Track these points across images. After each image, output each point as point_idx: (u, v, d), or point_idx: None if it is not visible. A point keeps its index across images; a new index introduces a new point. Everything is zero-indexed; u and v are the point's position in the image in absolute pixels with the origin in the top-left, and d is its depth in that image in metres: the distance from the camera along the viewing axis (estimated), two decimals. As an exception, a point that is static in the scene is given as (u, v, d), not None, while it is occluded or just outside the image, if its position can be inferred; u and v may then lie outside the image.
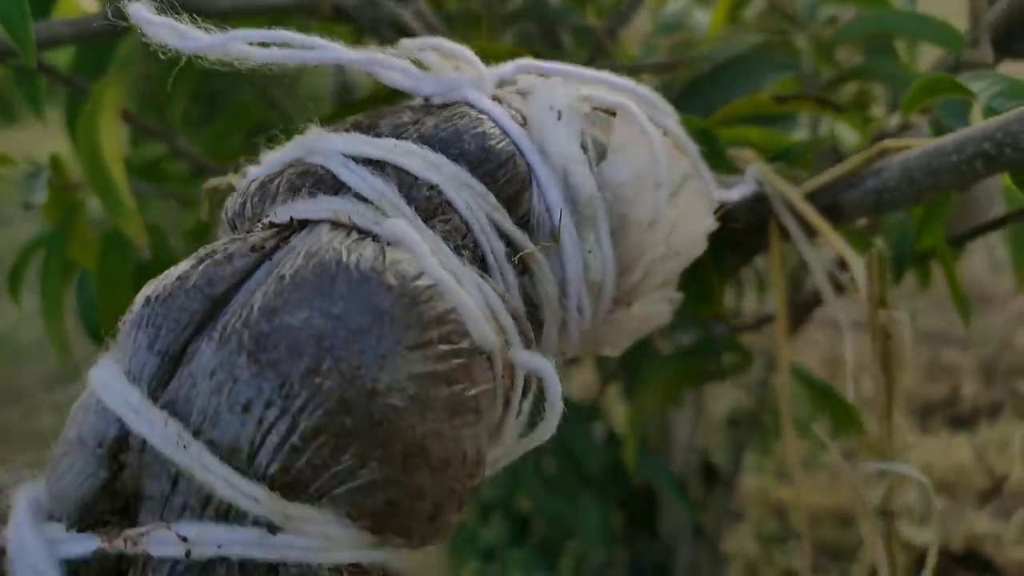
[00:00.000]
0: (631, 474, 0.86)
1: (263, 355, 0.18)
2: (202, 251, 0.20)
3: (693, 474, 1.09)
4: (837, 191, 0.38)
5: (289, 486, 0.18)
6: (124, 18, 0.23)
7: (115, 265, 0.60)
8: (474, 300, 0.20)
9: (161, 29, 0.23)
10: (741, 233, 0.40)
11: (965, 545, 1.08)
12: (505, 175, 0.23)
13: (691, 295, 0.40)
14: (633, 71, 0.68)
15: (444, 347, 0.19)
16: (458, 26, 0.84)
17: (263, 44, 0.24)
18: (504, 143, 0.24)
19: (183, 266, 0.20)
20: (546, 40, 0.86)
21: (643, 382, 0.65)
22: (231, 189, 0.27)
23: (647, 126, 0.26)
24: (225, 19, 0.56)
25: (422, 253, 0.19)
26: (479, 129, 0.23)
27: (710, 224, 0.28)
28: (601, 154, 0.26)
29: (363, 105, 0.58)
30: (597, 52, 0.61)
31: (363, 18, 0.59)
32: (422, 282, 0.19)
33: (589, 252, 0.25)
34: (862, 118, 0.43)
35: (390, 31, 0.61)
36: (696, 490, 1.11)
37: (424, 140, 0.23)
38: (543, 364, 0.22)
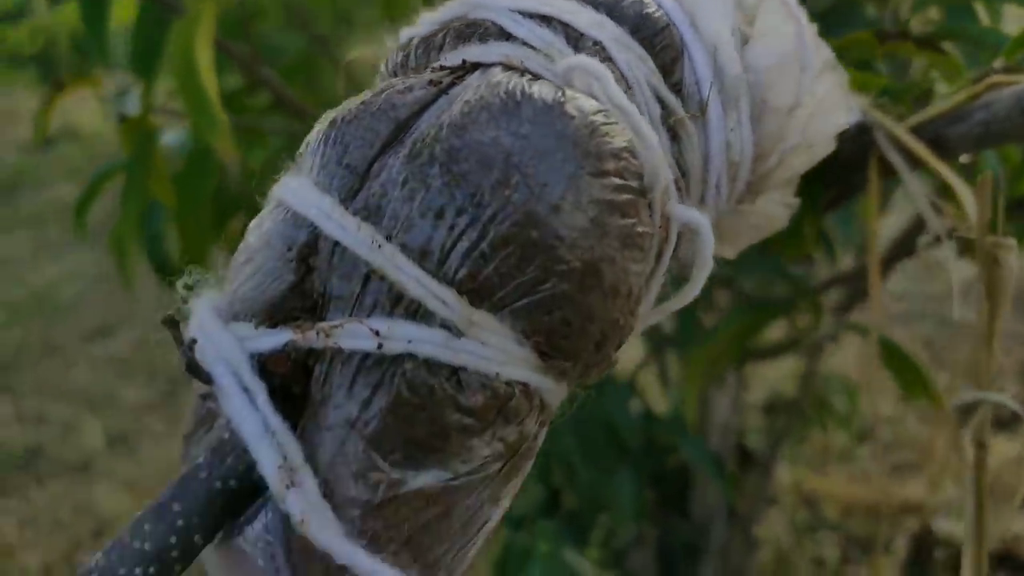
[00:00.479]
0: (677, 442, 0.86)
1: (455, 166, 0.18)
2: (379, 86, 0.21)
3: (729, 456, 1.09)
4: (942, 125, 0.38)
5: (475, 292, 0.18)
6: None
7: (195, 200, 0.60)
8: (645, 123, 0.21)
9: None
10: (839, 167, 0.40)
11: (1003, 545, 1.07)
12: (661, 42, 0.24)
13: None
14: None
15: (618, 180, 0.19)
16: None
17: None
18: (660, 12, 0.24)
19: (363, 95, 0.21)
20: None
21: (703, 339, 0.65)
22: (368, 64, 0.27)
23: (795, 10, 0.26)
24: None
25: (609, 80, 0.20)
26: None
27: (844, 121, 0.28)
28: (744, 38, 0.26)
29: None
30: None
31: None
32: (599, 117, 0.20)
33: (731, 131, 0.25)
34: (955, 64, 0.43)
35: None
36: (731, 464, 1.10)
37: (586, 1, 0.24)
38: (699, 218, 0.22)
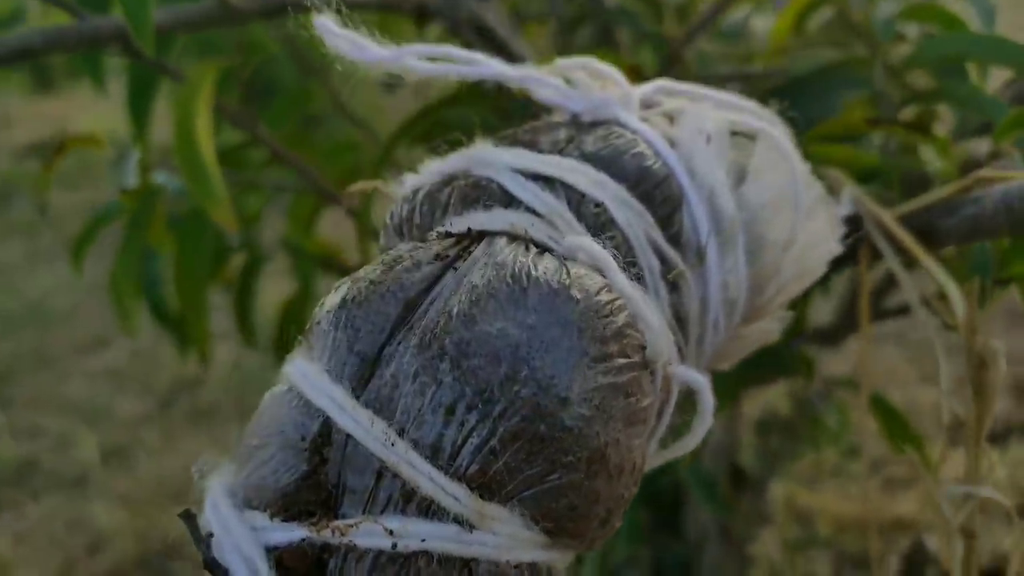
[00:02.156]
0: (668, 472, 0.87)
1: (465, 361, 0.19)
2: (387, 256, 0.22)
3: (723, 476, 1.10)
4: (932, 215, 0.39)
5: (485, 486, 0.19)
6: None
7: (193, 248, 0.61)
8: (650, 311, 0.21)
9: (342, 41, 0.24)
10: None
11: (994, 562, 1.09)
12: (661, 195, 0.24)
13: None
14: (709, 82, 0.69)
15: (622, 360, 0.20)
16: (525, 25, 0.85)
17: (430, 59, 0.25)
18: (659, 164, 0.25)
19: (372, 270, 0.21)
20: (606, 43, 0.86)
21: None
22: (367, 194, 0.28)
23: (788, 150, 0.27)
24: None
25: (612, 268, 0.20)
26: (636, 150, 0.25)
27: (835, 248, 0.29)
28: (739, 175, 0.27)
29: (440, 107, 0.59)
30: (672, 61, 0.62)
31: (445, 16, 0.60)
32: (603, 296, 0.20)
33: (728, 272, 0.26)
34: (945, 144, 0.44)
35: (470, 30, 0.62)
36: (724, 492, 1.11)
37: (586, 158, 0.24)
38: (699, 379, 0.23)
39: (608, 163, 0.24)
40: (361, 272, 0.21)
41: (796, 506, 1.24)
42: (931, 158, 0.44)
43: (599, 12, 0.77)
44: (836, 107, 0.60)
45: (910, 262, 0.40)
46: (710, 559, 1.12)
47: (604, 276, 0.20)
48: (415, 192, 0.24)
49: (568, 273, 0.20)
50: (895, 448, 0.57)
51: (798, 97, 0.60)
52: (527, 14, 0.83)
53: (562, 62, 0.27)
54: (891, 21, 0.65)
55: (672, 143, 0.26)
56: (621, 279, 0.20)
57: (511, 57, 0.58)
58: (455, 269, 0.21)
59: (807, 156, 0.45)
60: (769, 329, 0.30)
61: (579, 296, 0.20)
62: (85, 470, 1.73)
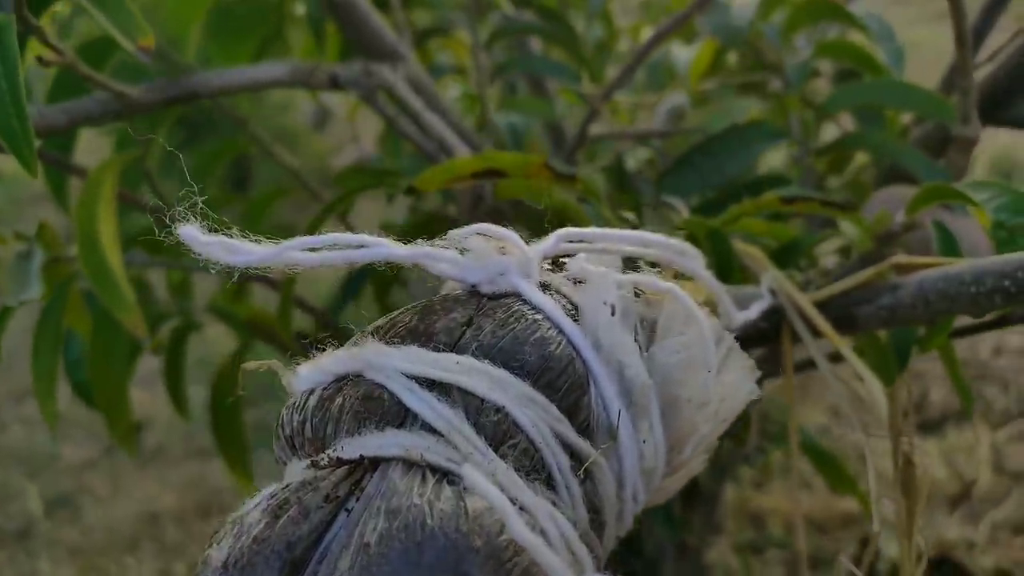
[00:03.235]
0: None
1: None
2: (273, 501, 0.20)
3: (677, 495, 1.10)
4: (851, 302, 0.39)
5: None
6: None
7: (109, 334, 0.58)
8: (552, 540, 0.20)
9: (213, 248, 0.22)
10: (752, 336, 0.41)
11: (937, 551, 1.12)
12: (566, 382, 0.23)
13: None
14: (630, 138, 0.69)
15: (529, 601, 0.19)
16: (444, 77, 0.84)
17: (312, 249, 0.24)
18: (562, 347, 0.24)
19: (256, 521, 0.20)
20: (537, 91, 0.85)
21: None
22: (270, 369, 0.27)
23: (695, 310, 0.26)
24: (223, 95, 0.55)
25: (507, 513, 0.19)
26: (537, 335, 0.23)
27: (752, 391, 0.28)
28: (649, 329, 0.26)
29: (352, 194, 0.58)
30: (591, 116, 0.62)
31: (357, 87, 0.58)
32: (505, 536, 0.19)
33: (644, 441, 0.25)
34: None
35: (382, 97, 0.60)
36: (678, 507, 1.12)
37: (484, 351, 0.23)
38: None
39: (508, 355, 0.23)
40: (247, 514, 0.20)
41: (747, 509, 1.26)
42: (848, 228, 0.44)
43: (527, 62, 0.76)
44: (753, 161, 0.60)
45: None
46: (668, 573, 1.13)
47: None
48: (306, 397, 0.23)
49: (467, 513, 0.19)
50: (836, 490, 0.58)
51: (719, 150, 0.60)
52: (446, 68, 0.82)
53: (454, 232, 0.26)
54: (805, 66, 0.65)
55: (576, 311, 0.25)
56: (517, 526, 0.19)
57: (423, 128, 0.56)
58: (347, 511, 0.20)
59: (721, 236, 0.45)
60: (696, 467, 0.30)
61: (479, 544, 0.19)
62: (28, 522, 1.67)
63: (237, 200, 0.87)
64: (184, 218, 0.22)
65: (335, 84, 0.57)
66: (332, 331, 0.71)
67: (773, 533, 1.24)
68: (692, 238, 0.45)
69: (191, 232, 0.22)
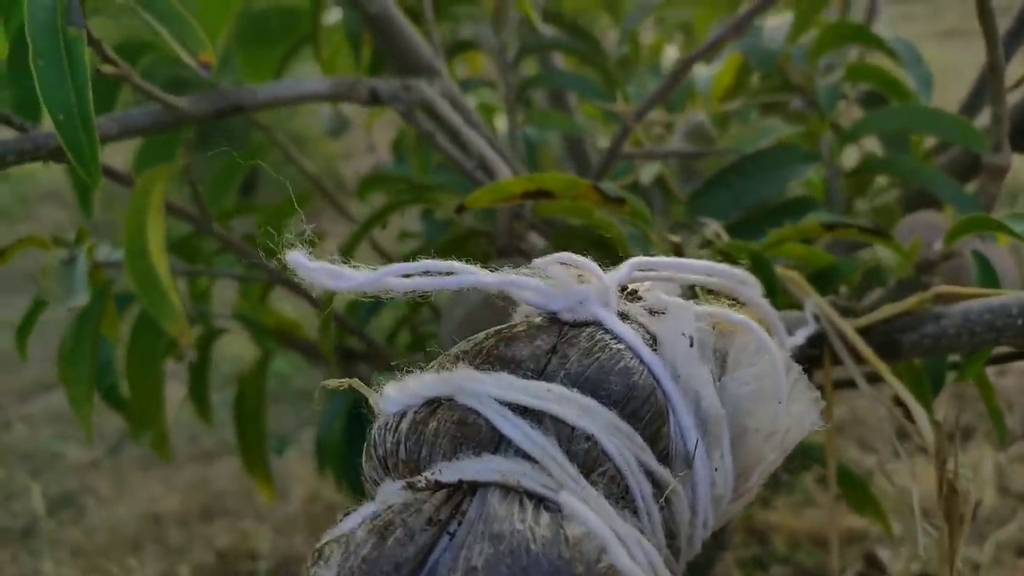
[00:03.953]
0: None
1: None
2: (378, 522, 0.21)
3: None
4: (893, 330, 0.40)
5: None
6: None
7: (148, 342, 0.59)
8: (642, 567, 0.21)
9: (318, 273, 0.23)
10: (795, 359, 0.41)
11: None
12: (648, 412, 0.24)
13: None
14: (659, 157, 0.69)
15: (625, 626, 0.20)
16: (474, 90, 0.85)
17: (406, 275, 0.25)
18: (644, 376, 0.24)
19: (363, 540, 0.21)
20: (557, 105, 0.86)
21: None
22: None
23: (767, 342, 0.27)
24: (267, 108, 0.56)
25: (608, 540, 0.20)
26: (621, 364, 0.24)
27: (815, 421, 0.29)
28: (720, 363, 0.27)
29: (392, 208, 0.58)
30: (624, 135, 0.62)
31: (397, 102, 0.59)
32: (604, 563, 0.20)
33: (715, 470, 0.26)
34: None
35: (421, 113, 0.61)
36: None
37: (572, 379, 0.24)
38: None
39: (595, 384, 0.24)
40: (353, 534, 0.21)
41: (752, 525, 1.27)
42: (886, 255, 0.45)
43: (554, 77, 0.77)
44: (786, 183, 0.61)
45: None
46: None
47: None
48: (399, 419, 0.24)
49: (567, 540, 0.20)
50: (860, 513, 0.58)
51: (751, 176, 0.61)
52: (475, 81, 0.83)
53: (538, 260, 0.27)
54: (835, 90, 0.66)
55: (655, 341, 0.26)
56: (621, 556, 0.20)
57: (462, 145, 0.57)
58: (450, 535, 0.21)
59: (764, 260, 0.45)
60: (755, 493, 0.31)
61: (581, 571, 0.20)
62: (32, 522, 1.67)
63: (256, 208, 0.88)
64: (291, 245, 0.23)
65: (375, 99, 0.58)
66: (365, 343, 0.72)
67: (777, 549, 1.25)
68: (732, 261, 0.46)
69: (299, 258, 0.23)
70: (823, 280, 0.47)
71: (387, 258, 0.75)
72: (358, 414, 0.90)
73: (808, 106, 0.77)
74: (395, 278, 0.24)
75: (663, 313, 0.26)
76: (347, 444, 0.88)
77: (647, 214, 0.44)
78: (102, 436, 1.87)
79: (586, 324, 0.26)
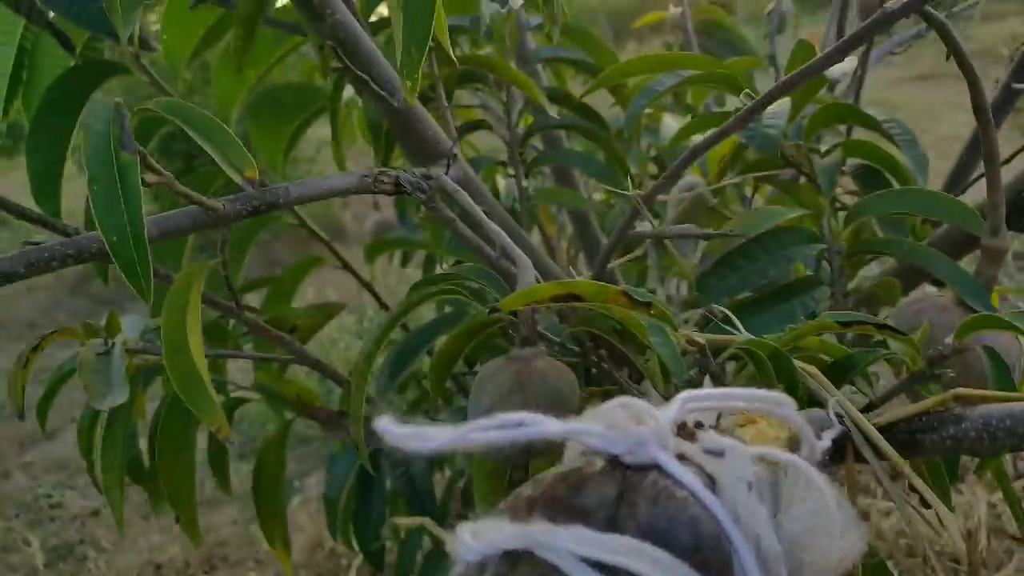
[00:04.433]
0: None
1: None
2: None
3: None
4: (914, 429, 0.42)
5: None
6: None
7: (181, 431, 0.60)
8: None
9: (406, 438, 0.25)
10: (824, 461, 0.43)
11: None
12: (716, 560, 0.26)
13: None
14: (671, 237, 0.72)
15: None
16: (485, 168, 0.87)
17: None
18: (710, 525, 0.26)
19: None
20: (561, 181, 0.89)
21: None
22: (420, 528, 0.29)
23: (817, 480, 0.29)
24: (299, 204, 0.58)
25: None
26: (688, 513, 0.26)
27: (863, 549, 0.31)
28: (774, 500, 0.29)
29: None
30: (635, 215, 0.65)
31: (419, 192, 0.61)
32: None
33: (775, 605, 0.27)
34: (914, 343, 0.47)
35: (448, 206, 0.63)
36: None
37: (641, 530, 0.25)
38: None
39: (665, 536, 0.25)
40: None
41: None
42: (899, 348, 0.47)
43: (562, 155, 0.79)
44: (791, 264, 0.64)
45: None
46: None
47: None
48: (479, 571, 0.25)
49: None
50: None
51: (759, 258, 0.63)
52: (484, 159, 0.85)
53: (604, 405, 0.29)
54: (834, 169, 0.69)
55: (712, 482, 0.28)
56: None
57: (486, 237, 0.59)
58: None
59: (785, 359, 0.47)
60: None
61: None
62: (30, 573, 1.65)
63: (269, 281, 0.90)
64: (382, 412, 0.25)
65: (399, 189, 0.60)
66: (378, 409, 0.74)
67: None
68: (752, 356, 0.48)
69: (388, 427, 0.25)
70: (839, 371, 0.49)
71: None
72: (366, 474, 0.92)
73: (802, 178, 0.80)
74: (475, 434, 0.26)
75: (720, 455, 0.28)
76: (359, 501, 0.89)
77: (671, 316, 0.46)
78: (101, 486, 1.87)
79: (647, 467, 0.28)
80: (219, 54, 0.86)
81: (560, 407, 0.52)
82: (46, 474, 1.97)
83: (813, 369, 0.47)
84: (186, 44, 0.84)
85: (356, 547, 0.89)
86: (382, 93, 0.66)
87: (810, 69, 0.58)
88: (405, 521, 0.30)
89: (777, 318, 0.66)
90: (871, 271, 0.83)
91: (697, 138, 0.95)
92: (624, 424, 0.28)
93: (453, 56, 0.62)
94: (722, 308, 0.57)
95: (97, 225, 0.41)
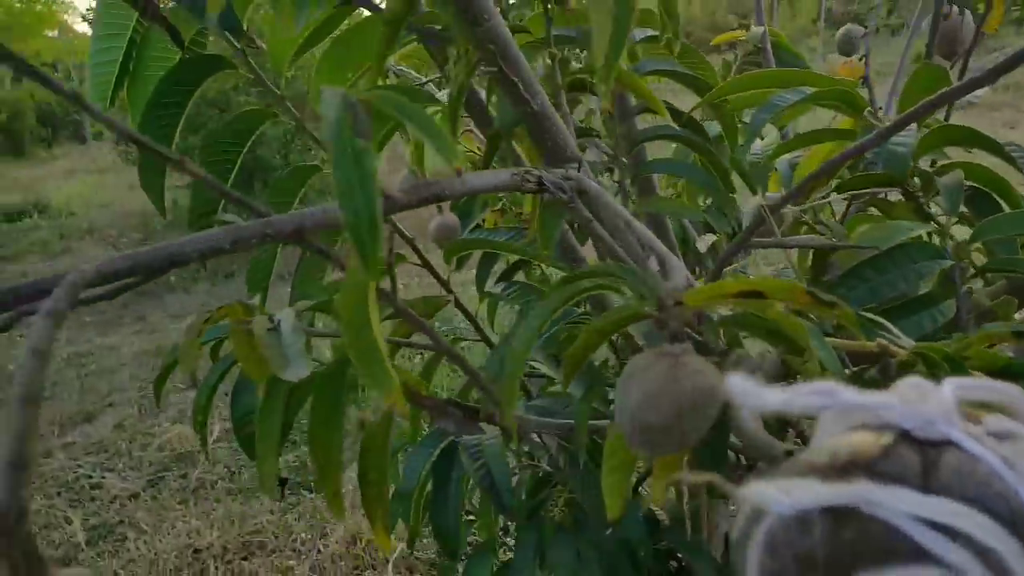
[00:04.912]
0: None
1: None
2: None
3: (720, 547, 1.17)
4: None
5: None
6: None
7: (329, 405, 0.62)
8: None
9: (747, 395, 0.27)
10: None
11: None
12: (1024, 536, 0.27)
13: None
14: (791, 247, 0.74)
15: None
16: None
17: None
18: (1017, 502, 0.28)
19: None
20: (643, 189, 0.91)
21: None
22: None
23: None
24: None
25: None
26: (997, 487, 0.28)
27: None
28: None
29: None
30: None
31: (560, 191, 0.63)
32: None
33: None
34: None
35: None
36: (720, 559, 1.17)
37: (956, 499, 0.27)
38: None
39: (980, 506, 0.27)
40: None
41: None
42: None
43: (669, 165, 0.81)
44: (920, 278, 0.66)
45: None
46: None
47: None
48: (800, 524, 0.27)
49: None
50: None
51: (888, 271, 0.65)
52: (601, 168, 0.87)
53: (899, 383, 0.30)
54: (958, 191, 0.71)
55: (1011, 467, 0.29)
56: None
57: (638, 238, 0.61)
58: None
59: (959, 364, 0.49)
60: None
61: None
62: (71, 553, 1.65)
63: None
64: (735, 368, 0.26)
65: (541, 187, 0.63)
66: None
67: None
68: (926, 360, 0.50)
69: (736, 380, 0.26)
70: (1005, 379, 0.51)
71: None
72: (443, 467, 0.93)
73: (905, 198, 0.82)
74: (805, 396, 0.28)
75: (1007, 438, 0.30)
76: (436, 496, 0.91)
77: (855, 319, 0.48)
78: (141, 468, 1.85)
79: (939, 444, 0.29)
80: (321, 52, 0.88)
81: (711, 403, 0.54)
82: (86, 455, 1.97)
83: (982, 376, 0.48)
84: (290, 42, 0.87)
85: (434, 541, 0.89)
86: (526, 96, 0.68)
87: (951, 94, 0.60)
88: (695, 478, 0.31)
89: (904, 329, 0.68)
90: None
91: (786, 156, 0.97)
92: (915, 400, 0.30)
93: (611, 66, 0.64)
94: (871, 315, 0.58)
95: (340, 206, 0.43)
